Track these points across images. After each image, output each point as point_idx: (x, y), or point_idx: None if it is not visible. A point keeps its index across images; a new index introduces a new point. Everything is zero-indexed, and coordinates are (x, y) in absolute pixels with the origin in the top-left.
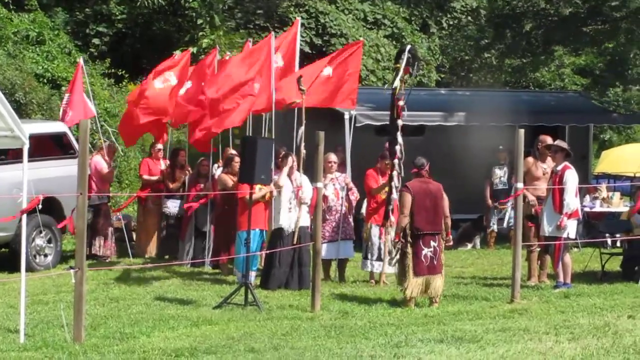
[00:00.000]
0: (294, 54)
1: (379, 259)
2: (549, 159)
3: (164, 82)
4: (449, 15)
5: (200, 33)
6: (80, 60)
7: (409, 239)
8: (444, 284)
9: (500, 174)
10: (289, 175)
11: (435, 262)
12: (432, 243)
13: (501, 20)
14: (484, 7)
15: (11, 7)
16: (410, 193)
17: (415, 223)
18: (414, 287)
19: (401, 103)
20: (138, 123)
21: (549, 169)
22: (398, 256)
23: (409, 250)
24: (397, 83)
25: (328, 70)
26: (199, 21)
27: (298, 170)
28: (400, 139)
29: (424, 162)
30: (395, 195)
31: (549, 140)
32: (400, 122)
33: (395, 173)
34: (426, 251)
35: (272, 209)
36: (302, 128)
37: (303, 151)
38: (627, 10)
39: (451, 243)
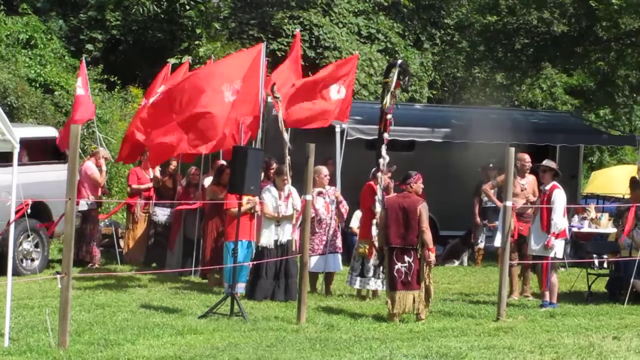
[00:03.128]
0: (298, 67)
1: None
2: (527, 175)
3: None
4: (442, 32)
5: (196, 42)
6: (83, 60)
7: (382, 252)
8: (424, 301)
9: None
10: (280, 189)
11: (410, 278)
12: (407, 258)
13: (492, 35)
14: (476, 19)
15: (1, 8)
16: (384, 207)
17: (387, 237)
18: (390, 301)
19: (389, 117)
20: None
21: (527, 185)
22: (380, 270)
23: (385, 264)
24: (387, 99)
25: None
26: (197, 31)
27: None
28: (384, 152)
29: (407, 175)
30: (378, 209)
31: (527, 158)
32: (386, 136)
33: (378, 187)
34: (399, 266)
35: (257, 222)
36: (285, 134)
37: (288, 157)
38: (618, 31)
39: (431, 260)
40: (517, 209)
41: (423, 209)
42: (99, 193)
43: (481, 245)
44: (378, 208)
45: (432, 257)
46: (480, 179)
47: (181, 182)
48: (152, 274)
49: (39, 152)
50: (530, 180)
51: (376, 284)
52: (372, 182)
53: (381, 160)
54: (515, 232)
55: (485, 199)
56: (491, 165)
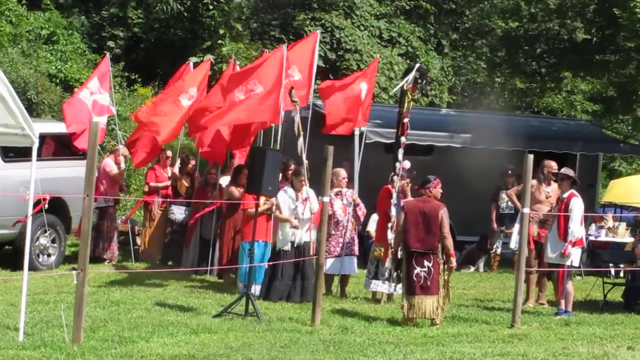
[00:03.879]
0: (311, 69)
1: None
2: (553, 183)
3: (189, 98)
4: (462, 37)
5: (219, 41)
6: (107, 55)
7: (399, 256)
8: (443, 306)
9: (507, 198)
10: (297, 190)
11: (429, 283)
12: (426, 263)
13: (513, 40)
14: (496, 25)
15: (23, 2)
16: (404, 211)
17: (406, 241)
18: (406, 305)
19: (406, 120)
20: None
21: (552, 192)
22: (395, 274)
23: (403, 268)
24: (405, 102)
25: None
26: (220, 31)
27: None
28: (401, 156)
29: (426, 180)
30: (394, 212)
31: (554, 165)
32: (403, 140)
33: (393, 190)
34: (418, 270)
35: (274, 222)
36: (300, 139)
37: (305, 161)
38: (639, 41)
39: (453, 265)
40: (541, 217)
41: (444, 214)
42: (117, 190)
43: (497, 251)
44: (393, 212)
45: (454, 262)
46: (498, 184)
47: (199, 181)
48: (168, 272)
49: (58, 147)
50: (555, 188)
51: (390, 288)
52: (389, 186)
53: (397, 164)
54: (530, 239)
55: (503, 205)
56: (509, 171)
